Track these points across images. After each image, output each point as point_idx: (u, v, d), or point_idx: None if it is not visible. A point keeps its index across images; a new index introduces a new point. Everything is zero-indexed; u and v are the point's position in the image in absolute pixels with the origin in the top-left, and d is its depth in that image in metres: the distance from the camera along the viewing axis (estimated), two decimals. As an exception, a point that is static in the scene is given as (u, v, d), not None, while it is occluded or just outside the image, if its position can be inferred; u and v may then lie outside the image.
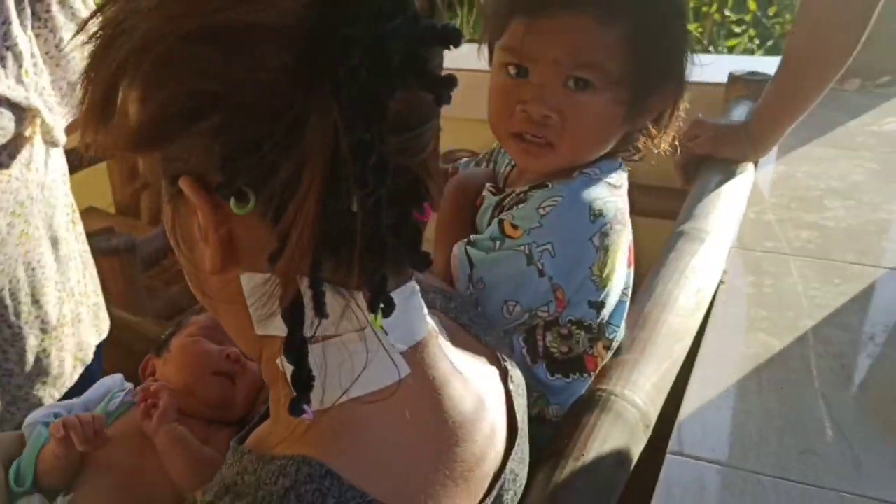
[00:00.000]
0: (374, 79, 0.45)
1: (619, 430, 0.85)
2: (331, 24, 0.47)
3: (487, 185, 0.97)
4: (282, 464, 0.57)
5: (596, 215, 0.84)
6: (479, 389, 0.69)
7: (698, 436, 0.87)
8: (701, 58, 0.87)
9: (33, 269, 1.26)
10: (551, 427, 0.89)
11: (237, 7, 0.46)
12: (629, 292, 0.93)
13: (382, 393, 0.58)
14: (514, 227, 0.85)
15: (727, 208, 1.33)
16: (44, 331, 1.30)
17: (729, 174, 1.44)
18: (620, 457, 0.83)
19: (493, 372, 0.75)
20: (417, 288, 0.61)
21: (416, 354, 0.61)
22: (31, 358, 1.29)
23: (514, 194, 0.90)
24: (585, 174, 0.87)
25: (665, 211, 1.43)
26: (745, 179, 1.45)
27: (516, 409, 0.75)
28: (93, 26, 0.50)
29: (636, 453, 0.85)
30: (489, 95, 0.89)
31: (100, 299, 1.47)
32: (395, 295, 0.57)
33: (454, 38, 0.47)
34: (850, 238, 1.26)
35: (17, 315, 1.24)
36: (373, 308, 0.53)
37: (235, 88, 0.47)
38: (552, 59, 0.82)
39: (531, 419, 0.78)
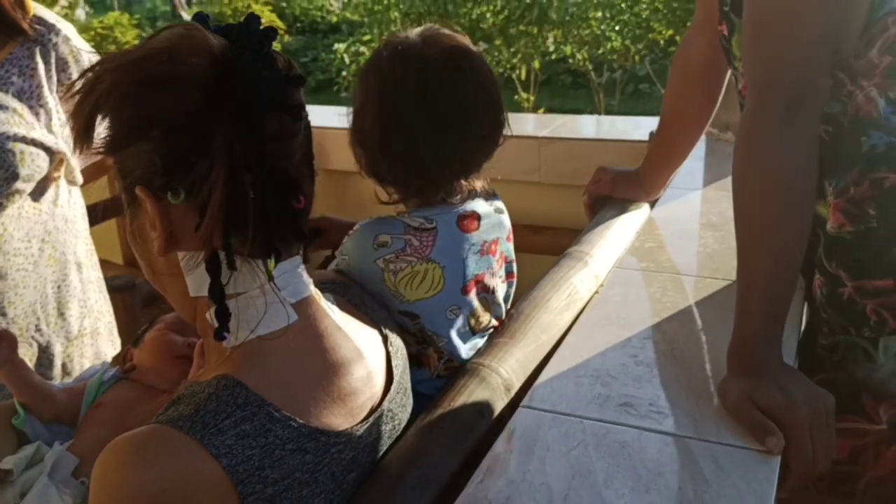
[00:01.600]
0: (253, 107, 0.78)
1: (483, 390, 1.13)
2: (226, 74, 0.80)
3: None
4: (208, 381, 0.86)
5: (379, 245, 1.17)
6: (357, 343, 0.98)
7: (545, 395, 1.14)
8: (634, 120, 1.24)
9: (59, 287, 1.59)
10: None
11: (166, 64, 0.79)
12: (473, 315, 1.25)
13: (277, 333, 0.88)
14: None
15: (613, 237, 1.63)
16: (67, 339, 1.62)
17: (623, 211, 1.75)
18: (480, 409, 1.11)
19: (375, 336, 1.04)
20: (300, 261, 0.92)
21: (303, 307, 0.91)
22: (58, 362, 1.61)
23: None
24: (388, 215, 1.21)
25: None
26: (637, 216, 1.76)
27: (394, 366, 1.04)
28: (78, 83, 0.83)
29: (497, 409, 1.13)
30: None
31: (113, 318, 1.79)
32: (287, 263, 0.89)
33: (301, 83, 0.83)
34: (712, 259, 1.55)
35: (47, 324, 1.57)
36: (266, 259, 0.84)
37: (166, 115, 0.80)
38: None
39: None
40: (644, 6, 6.50)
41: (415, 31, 1.23)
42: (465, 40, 1.25)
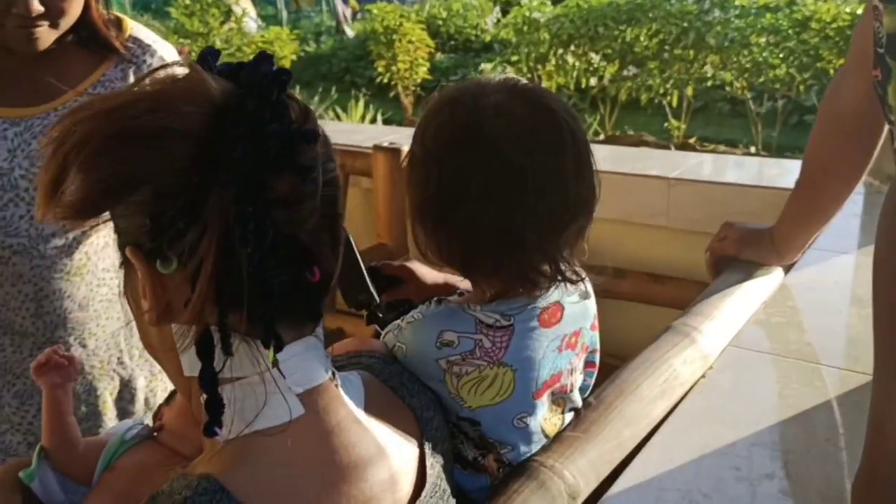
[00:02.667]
0: (255, 167, 0.65)
1: (540, 498, 0.95)
2: (223, 126, 0.65)
3: None
4: (191, 479, 0.73)
5: (443, 343, 0.97)
6: (381, 440, 0.82)
7: (617, 511, 0.95)
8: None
9: None
10: None
11: (151, 114, 0.65)
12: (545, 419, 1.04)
13: (278, 428, 0.74)
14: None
15: (732, 308, 1.39)
16: (151, 373, 1.56)
17: (750, 275, 1.50)
18: (534, 521, 0.93)
19: (409, 428, 0.88)
20: (316, 342, 0.77)
21: (312, 397, 0.76)
22: (140, 397, 1.55)
23: None
24: (460, 306, 1.00)
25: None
26: (765, 282, 1.51)
27: (428, 465, 0.88)
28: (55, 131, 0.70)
29: (556, 521, 0.94)
30: None
31: None
32: (296, 345, 0.74)
33: (314, 138, 0.68)
34: (850, 345, 1.29)
35: (130, 357, 1.51)
36: (266, 345, 0.69)
37: (152, 174, 0.66)
38: None
39: None
40: (813, 33, 6.02)
41: (493, 82, 1.04)
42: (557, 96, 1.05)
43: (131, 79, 1.47)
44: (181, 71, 0.69)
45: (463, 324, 0.97)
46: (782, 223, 1.51)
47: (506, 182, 0.94)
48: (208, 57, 0.71)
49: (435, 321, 0.99)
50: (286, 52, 8.91)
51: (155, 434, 1.09)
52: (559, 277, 0.99)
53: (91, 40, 1.44)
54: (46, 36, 1.33)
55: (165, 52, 1.54)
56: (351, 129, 3.86)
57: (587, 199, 1.00)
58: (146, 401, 1.55)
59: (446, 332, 0.97)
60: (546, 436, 1.05)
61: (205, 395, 0.71)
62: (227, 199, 0.64)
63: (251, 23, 11.68)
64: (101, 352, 1.47)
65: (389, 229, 2.59)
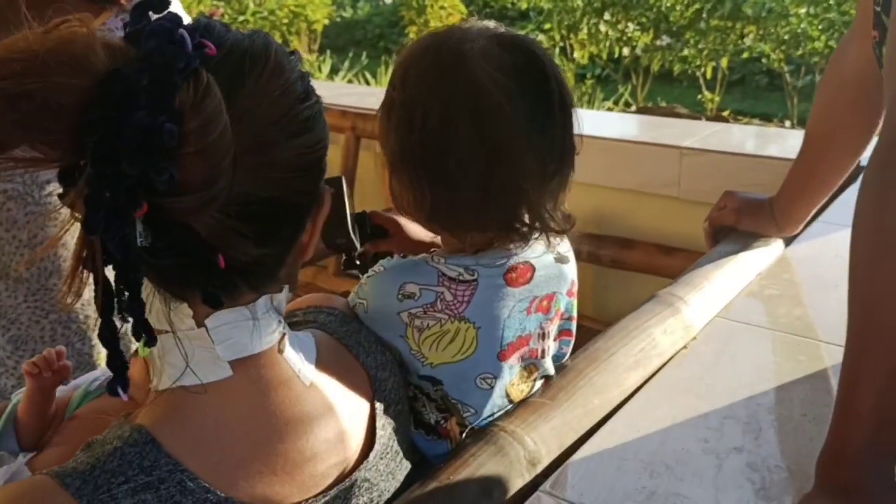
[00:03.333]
0: (112, 155, 0.59)
1: (497, 462, 0.93)
2: (92, 105, 0.60)
3: None
4: (124, 429, 0.73)
5: (405, 296, 0.95)
6: (327, 399, 0.81)
7: (575, 480, 0.93)
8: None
9: None
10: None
11: (20, 78, 0.58)
12: (512, 384, 1.02)
13: (204, 387, 0.73)
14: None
15: (724, 279, 1.35)
16: None
17: (747, 245, 1.46)
18: (489, 486, 0.91)
19: (361, 388, 0.87)
20: (248, 314, 0.74)
21: (245, 363, 0.75)
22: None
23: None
24: (423, 257, 0.98)
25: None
26: (763, 253, 1.46)
27: (378, 426, 0.86)
28: None
29: (512, 487, 0.93)
30: None
31: None
32: (225, 313, 0.72)
33: (171, 139, 0.60)
34: (842, 320, 1.24)
35: None
36: (136, 336, 0.67)
37: (21, 138, 0.60)
38: None
39: None
40: (854, 4, 5.85)
41: (474, 28, 0.99)
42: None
43: None
44: (70, 31, 0.63)
45: (425, 276, 0.95)
46: (782, 193, 1.46)
47: (494, 127, 0.91)
48: (141, 9, 0.66)
49: (397, 273, 0.97)
50: (318, 15, 8.85)
51: (120, 385, 1.09)
52: (542, 229, 0.97)
53: None
54: None
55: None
56: (365, 92, 3.83)
57: (572, 148, 0.97)
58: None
59: (408, 284, 0.95)
60: (511, 401, 1.03)
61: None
62: (92, 185, 0.59)
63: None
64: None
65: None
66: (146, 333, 0.66)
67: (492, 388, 0.99)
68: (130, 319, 0.65)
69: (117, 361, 0.66)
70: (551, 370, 1.07)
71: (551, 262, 1.03)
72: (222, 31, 0.70)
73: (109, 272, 0.64)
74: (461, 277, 0.96)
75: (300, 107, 0.71)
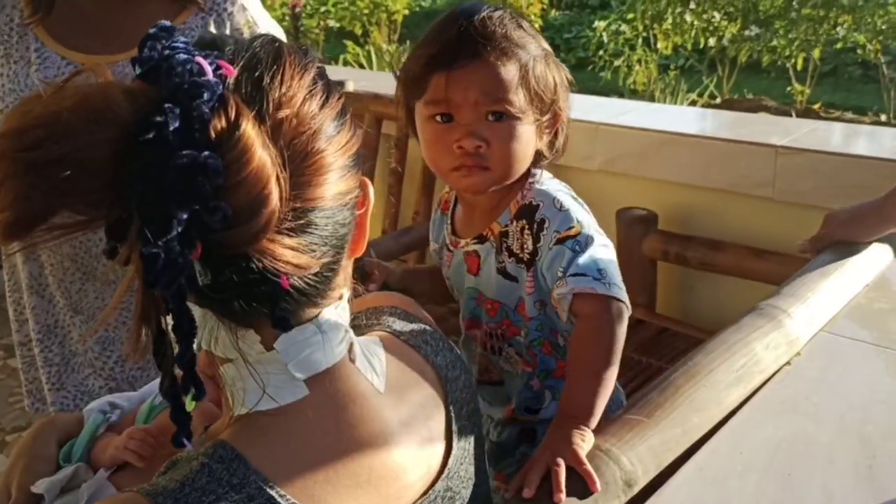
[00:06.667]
0: (159, 201, 0.56)
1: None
2: (127, 155, 0.56)
3: (448, 240, 1.18)
4: (208, 445, 0.72)
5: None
6: (405, 409, 0.80)
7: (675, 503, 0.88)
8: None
9: None
10: None
11: (47, 144, 0.55)
12: None
13: (282, 409, 0.71)
14: (570, 230, 1.04)
15: (829, 290, 1.28)
16: None
17: (852, 254, 1.38)
18: (579, 506, 0.87)
19: (435, 391, 0.85)
20: (315, 330, 0.72)
21: (320, 379, 0.73)
22: None
23: (505, 235, 1.10)
24: (528, 184, 1.10)
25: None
26: (871, 263, 1.38)
27: (453, 430, 0.84)
28: None
29: (606, 508, 0.89)
30: (425, 144, 1.08)
31: None
32: (294, 332, 0.70)
33: (218, 175, 0.57)
34: (961, 338, 1.17)
35: None
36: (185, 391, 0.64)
37: (60, 204, 0.57)
38: (472, 101, 1.01)
39: None
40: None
41: None
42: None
43: (212, 27, 1.47)
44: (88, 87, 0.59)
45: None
46: (893, 196, 1.37)
47: None
48: (151, 43, 0.61)
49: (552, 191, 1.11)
50: (398, 6, 8.87)
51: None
52: None
53: None
54: None
55: (247, 1, 1.53)
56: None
57: None
58: None
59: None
60: None
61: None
62: (136, 233, 0.57)
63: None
64: None
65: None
66: (196, 387, 0.63)
67: None
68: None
69: (181, 415, 0.64)
70: None
71: None
72: (230, 42, 0.67)
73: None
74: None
75: (329, 103, 0.68)
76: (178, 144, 0.56)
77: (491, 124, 1.03)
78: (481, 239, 1.13)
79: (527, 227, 1.07)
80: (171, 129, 0.56)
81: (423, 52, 1.06)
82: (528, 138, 1.05)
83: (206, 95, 0.58)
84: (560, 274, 1.02)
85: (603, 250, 1.03)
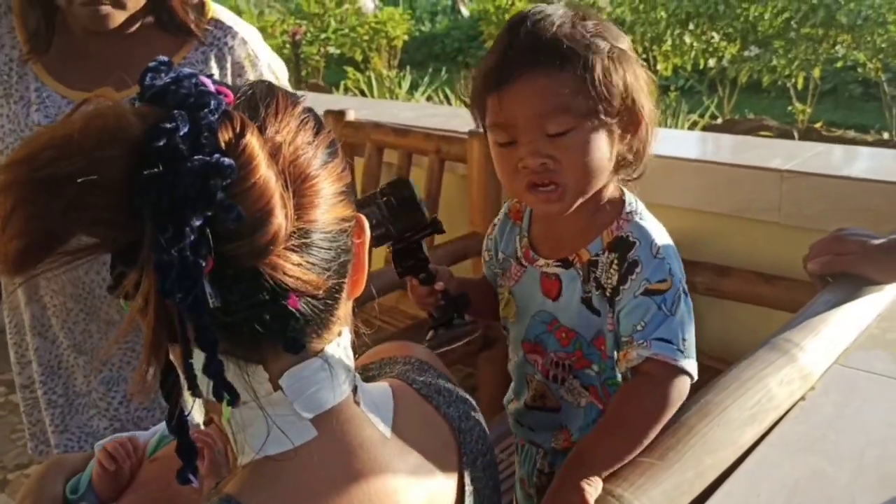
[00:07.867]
0: (173, 210, 0.56)
1: (605, 530, 0.87)
2: (139, 168, 0.57)
3: (522, 253, 1.13)
4: (215, 500, 0.70)
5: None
6: (413, 459, 0.77)
7: (691, 551, 0.86)
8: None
9: None
10: None
11: (58, 163, 0.56)
12: None
13: (290, 452, 0.69)
14: (661, 282, 1.01)
15: (841, 322, 1.26)
16: None
17: (866, 284, 1.36)
18: (598, 556, 0.85)
19: (446, 443, 0.83)
20: (322, 364, 0.71)
21: (327, 419, 0.72)
22: None
23: (594, 264, 1.05)
24: (626, 214, 1.07)
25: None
26: (883, 291, 1.36)
27: (465, 482, 0.82)
28: None
29: (622, 556, 0.86)
30: (497, 168, 1.04)
31: None
32: (297, 368, 0.68)
33: (231, 173, 0.58)
34: (980, 369, 1.14)
35: None
36: (218, 397, 0.63)
37: (74, 226, 0.58)
38: (528, 119, 0.96)
39: None
40: (958, 9, 5.56)
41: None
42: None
43: (213, 62, 1.46)
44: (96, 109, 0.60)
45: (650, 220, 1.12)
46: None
47: None
48: (151, 74, 0.62)
49: (649, 230, 1.07)
50: (398, 31, 8.92)
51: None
52: None
53: (170, 23, 1.43)
54: (113, 14, 1.33)
55: (247, 34, 1.52)
56: (449, 113, 3.80)
57: None
58: None
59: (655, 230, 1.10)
60: None
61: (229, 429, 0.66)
62: (156, 244, 0.56)
63: (368, 3, 11.77)
64: None
65: (483, 216, 2.53)
66: (229, 392, 0.62)
67: None
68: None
69: (187, 449, 0.64)
70: None
71: None
72: (224, 84, 0.68)
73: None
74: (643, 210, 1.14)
75: (321, 134, 0.70)
76: (189, 150, 0.57)
77: (553, 139, 0.97)
78: (566, 264, 1.08)
79: (616, 262, 1.02)
80: (182, 133, 0.57)
81: (479, 71, 1.02)
82: (598, 145, 0.99)
83: (213, 104, 0.60)
84: (640, 328, 0.99)
85: (687, 312, 1.01)
